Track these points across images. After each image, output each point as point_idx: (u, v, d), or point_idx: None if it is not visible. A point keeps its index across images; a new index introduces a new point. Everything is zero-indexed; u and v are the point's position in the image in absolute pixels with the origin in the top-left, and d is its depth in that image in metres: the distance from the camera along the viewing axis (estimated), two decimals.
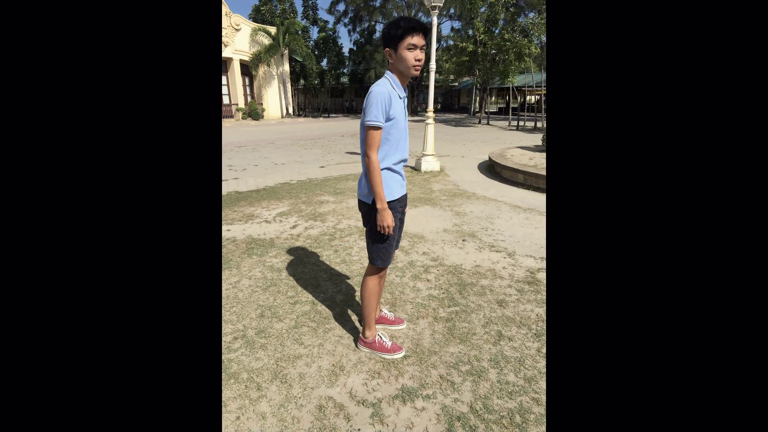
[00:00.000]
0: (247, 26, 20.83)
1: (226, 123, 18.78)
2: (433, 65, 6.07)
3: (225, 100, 20.73)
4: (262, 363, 1.68)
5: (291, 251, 2.97)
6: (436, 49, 25.97)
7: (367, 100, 1.44)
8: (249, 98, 21.93)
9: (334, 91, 32.01)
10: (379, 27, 27.70)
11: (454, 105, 34.30)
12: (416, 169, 6.46)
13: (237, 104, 20.87)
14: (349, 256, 2.87)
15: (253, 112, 20.86)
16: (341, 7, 26.67)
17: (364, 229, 1.70)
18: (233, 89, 20.87)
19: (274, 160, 7.76)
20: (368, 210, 1.58)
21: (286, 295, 2.27)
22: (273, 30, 21.31)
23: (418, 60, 1.42)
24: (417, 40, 1.40)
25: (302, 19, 27.00)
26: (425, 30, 1.42)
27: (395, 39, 1.40)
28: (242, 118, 20.74)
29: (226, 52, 19.69)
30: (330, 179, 5.80)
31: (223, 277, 2.50)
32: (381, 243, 1.61)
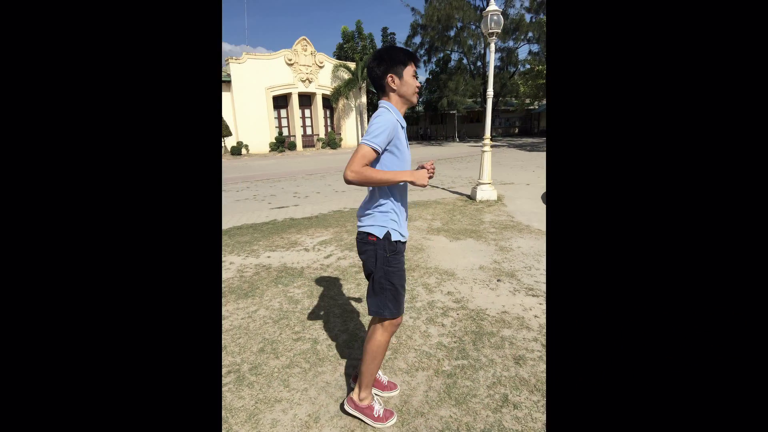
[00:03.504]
0: (330, 63, 22.62)
1: (306, 152, 20.33)
2: (490, 91, 5.86)
3: (308, 131, 22.61)
4: (242, 402, 1.66)
5: (316, 282, 2.98)
6: (513, 74, 25.32)
7: (375, 122, 1.33)
8: (329, 129, 23.54)
9: (408, 119, 32.85)
10: (455, 56, 27.83)
11: (533, 128, 32.63)
12: (471, 197, 6.17)
13: (318, 135, 22.59)
14: None
15: (332, 141, 22.28)
16: (417, 40, 27.56)
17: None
18: (315, 121, 22.64)
19: (336, 187, 8.09)
20: (381, 242, 1.39)
21: (292, 330, 2.26)
22: (353, 65, 22.79)
23: (419, 87, 1.44)
24: (415, 70, 1.43)
25: None
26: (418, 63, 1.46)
27: (401, 65, 1.39)
28: (321, 147, 22.29)
29: (310, 88, 21.58)
30: None
31: (243, 305, 2.59)
32: (393, 287, 1.42)
